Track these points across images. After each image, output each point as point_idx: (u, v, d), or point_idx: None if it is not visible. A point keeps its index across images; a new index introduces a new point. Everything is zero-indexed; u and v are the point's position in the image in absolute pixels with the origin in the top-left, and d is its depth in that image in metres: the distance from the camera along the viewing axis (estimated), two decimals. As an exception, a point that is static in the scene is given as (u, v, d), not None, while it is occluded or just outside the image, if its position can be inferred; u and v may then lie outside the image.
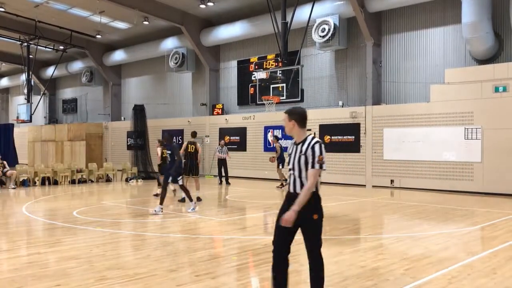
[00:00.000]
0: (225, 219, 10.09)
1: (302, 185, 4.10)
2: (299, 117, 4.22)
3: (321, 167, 4.06)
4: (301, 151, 4.13)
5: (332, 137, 18.15)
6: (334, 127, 18.10)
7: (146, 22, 21.81)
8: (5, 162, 17.26)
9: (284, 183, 15.96)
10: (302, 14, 17.17)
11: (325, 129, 18.36)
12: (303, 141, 4.16)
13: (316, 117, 18.67)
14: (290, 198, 4.15)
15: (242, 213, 11.06)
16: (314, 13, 17.00)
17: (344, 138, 17.82)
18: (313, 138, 4.19)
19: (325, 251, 6.86)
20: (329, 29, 17.42)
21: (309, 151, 4.07)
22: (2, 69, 34.59)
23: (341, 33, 17.67)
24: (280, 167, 16.35)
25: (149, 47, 25.20)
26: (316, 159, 4.04)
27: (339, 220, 9.67)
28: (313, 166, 4.05)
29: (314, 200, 4.13)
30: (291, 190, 4.20)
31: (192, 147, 12.71)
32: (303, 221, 4.12)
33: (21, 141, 29.83)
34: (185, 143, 12.96)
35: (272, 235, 4.42)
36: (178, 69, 23.50)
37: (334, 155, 18.08)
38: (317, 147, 4.07)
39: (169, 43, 23.93)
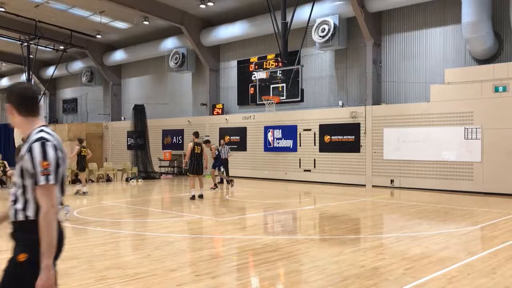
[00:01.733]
0: (225, 219, 10.10)
1: (24, 208, 2.55)
2: (18, 98, 2.64)
3: (47, 179, 2.48)
4: (20, 155, 2.59)
5: (332, 137, 18.16)
6: (334, 127, 18.10)
7: (146, 22, 21.82)
8: (5, 162, 17.27)
9: (219, 185, 17.11)
10: (302, 14, 17.17)
11: (325, 129, 18.38)
12: (28, 139, 2.62)
13: (316, 117, 18.70)
14: (13, 231, 2.59)
15: (242, 213, 11.06)
16: (314, 13, 17.00)
17: (344, 138, 17.83)
18: (39, 131, 2.60)
19: (325, 251, 6.89)
20: (329, 29, 17.43)
21: (27, 156, 2.52)
22: (2, 69, 34.57)
23: (341, 33, 17.68)
24: (217, 169, 17.12)
25: (149, 47, 25.21)
26: (38, 168, 2.48)
27: (339, 220, 9.68)
28: (37, 182, 2.49)
29: (26, 229, 2.53)
30: (12, 216, 2.59)
31: (199, 148, 13.31)
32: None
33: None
34: (191, 144, 13.29)
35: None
36: (178, 69, 23.51)
37: (334, 155, 18.11)
38: (36, 147, 2.51)
39: (169, 43, 23.94)
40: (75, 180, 15.87)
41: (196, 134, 13.75)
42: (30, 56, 26.45)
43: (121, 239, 7.94)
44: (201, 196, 13.16)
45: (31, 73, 27.71)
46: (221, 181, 18.33)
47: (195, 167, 13.24)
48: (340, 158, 17.93)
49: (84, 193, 14.41)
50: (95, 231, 8.34)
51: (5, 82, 36.81)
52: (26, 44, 25.70)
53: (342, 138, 17.90)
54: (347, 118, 17.72)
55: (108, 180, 20.13)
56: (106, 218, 9.98)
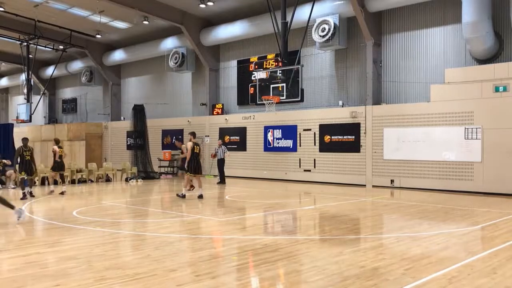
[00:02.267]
0: (225, 219, 10.08)
1: None
2: None
3: None
4: None
5: (332, 137, 18.15)
6: (334, 127, 18.09)
7: (146, 22, 21.80)
8: (4, 161, 17.25)
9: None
10: (302, 13, 17.15)
11: (325, 129, 18.37)
12: None
13: (316, 117, 18.69)
14: None
15: (242, 213, 11.05)
16: (314, 12, 16.98)
17: (344, 138, 17.81)
18: None
19: (325, 251, 6.88)
20: (329, 29, 17.42)
21: None
22: (2, 68, 34.54)
23: (341, 33, 17.66)
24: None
25: (149, 47, 25.19)
26: None
27: (339, 220, 9.66)
28: None
29: None
30: None
31: (198, 147, 13.57)
32: None
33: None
34: (190, 143, 13.49)
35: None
36: (178, 69, 23.49)
37: (334, 155, 18.10)
38: None
39: (169, 43, 23.92)
40: (61, 180, 15.70)
41: (193, 134, 13.92)
42: (30, 56, 26.43)
43: (121, 239, 7.92)
44: (200, 196, 13.22)
45: (30, 72, 27.71)
46: (221, 181, 18.33)
47: (195, 167, 13.38)
48: (340, 158, 17.92)
49: (51, 191, 14.88)
50: (94, 231, 8.33)
51: (4, 82, 36.80)
52: (25, 43, 25.69)
53: (342, 138, 17.89)
54: (347, 118, 17.71)
55: (108, 180, 20.11)
56: (106, 218, 9.96)
